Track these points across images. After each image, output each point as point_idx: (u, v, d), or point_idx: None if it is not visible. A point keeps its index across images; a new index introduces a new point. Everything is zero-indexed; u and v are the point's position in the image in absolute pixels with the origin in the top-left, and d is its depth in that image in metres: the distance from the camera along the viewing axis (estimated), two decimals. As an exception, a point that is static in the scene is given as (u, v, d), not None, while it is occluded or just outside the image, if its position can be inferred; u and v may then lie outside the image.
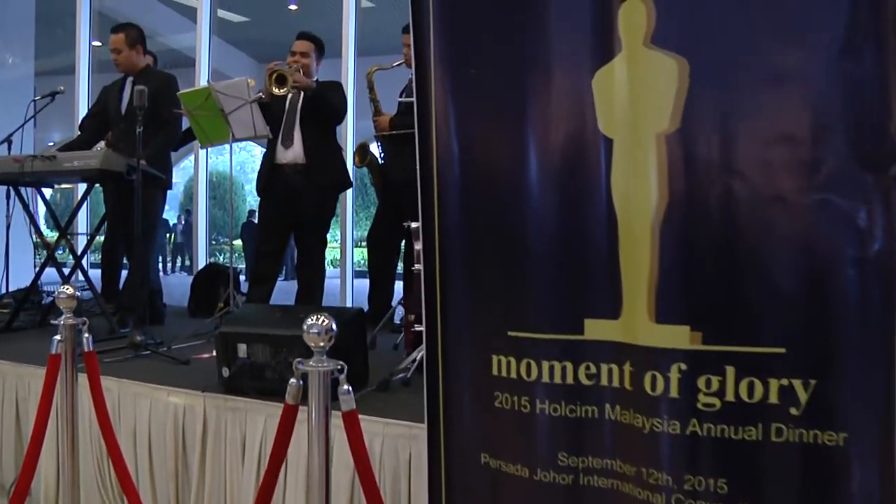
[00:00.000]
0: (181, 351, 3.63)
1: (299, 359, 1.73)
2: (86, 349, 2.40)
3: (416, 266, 3.03)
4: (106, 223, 4.53)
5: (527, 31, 1.58)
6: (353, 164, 4.45)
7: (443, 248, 1.74)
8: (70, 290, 2.38)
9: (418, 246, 3.07)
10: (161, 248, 16.50)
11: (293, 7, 11.50)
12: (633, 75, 1.44)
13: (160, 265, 16.34)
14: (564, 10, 1.52)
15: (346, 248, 5.63)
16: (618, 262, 1.48)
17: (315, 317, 1.69)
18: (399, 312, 4.19)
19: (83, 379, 2.43)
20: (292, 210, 4.21)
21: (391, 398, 2.73)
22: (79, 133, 4.94)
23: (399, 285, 4.42)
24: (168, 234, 16.75)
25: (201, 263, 5.93)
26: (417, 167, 1.78)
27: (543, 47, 1.56)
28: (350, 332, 2.68)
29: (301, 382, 1.74)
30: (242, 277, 6.09)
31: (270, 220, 4.33)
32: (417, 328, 3.01)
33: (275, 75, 3.91)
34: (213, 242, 15.93)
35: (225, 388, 2.76)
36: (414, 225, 3.21)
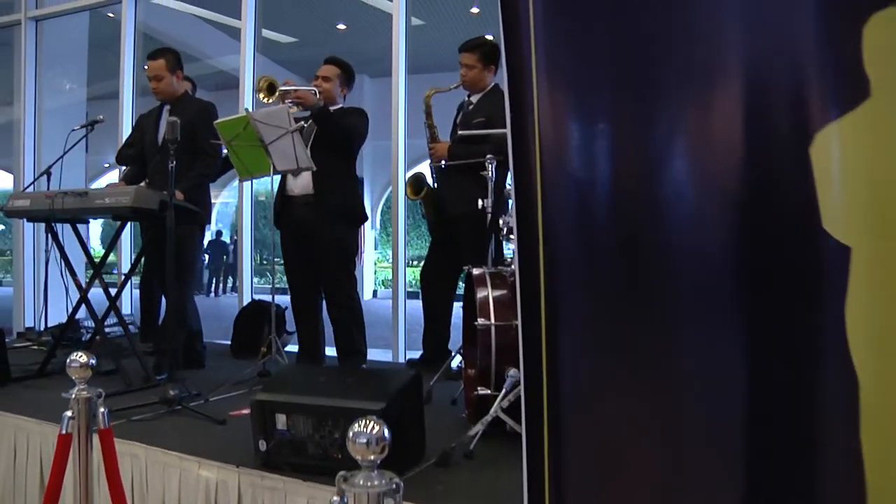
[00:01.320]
0: (219, 405, 3.31)
1: (343, 472, 1.35)
2: (101, 426, 2.07)
3: (480, 321, 2.64)
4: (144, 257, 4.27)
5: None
6: (406, 196, 4.09)
7: (552, 285, 1.33)
8: (83, 358, 2.05)
9: (482, 293, 2.69)
10: (215, 269, 16.47)
11: (342, 26, 11.29)
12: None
13: (212, 286, 16.49)
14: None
15: (398, 268, 5.26)
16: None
17: (363, 422, 1.30)
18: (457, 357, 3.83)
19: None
20: (308, 244, 3.90)
21: (453, 477, 2.34)
22: (116, 163, 4.71)
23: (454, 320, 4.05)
24: (223, 256, 16.67)
25: (247, 288, 5.64)
26: (512, 183, 1.39)
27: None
28: (406, 400, 2.31)
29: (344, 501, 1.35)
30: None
31: (289, 254, 4.00)
32: (481, 392, 2.61)
33: (265, 83, 3.61)
34: (265, 262, 15.83)
35: (262, 463, 2.40)
36: (476, 271, 2.82)
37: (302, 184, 3.84)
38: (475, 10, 10.63)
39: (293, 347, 4.42)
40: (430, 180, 4.07)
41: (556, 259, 1.31)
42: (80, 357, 2.04)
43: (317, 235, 3.83)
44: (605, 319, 1.27)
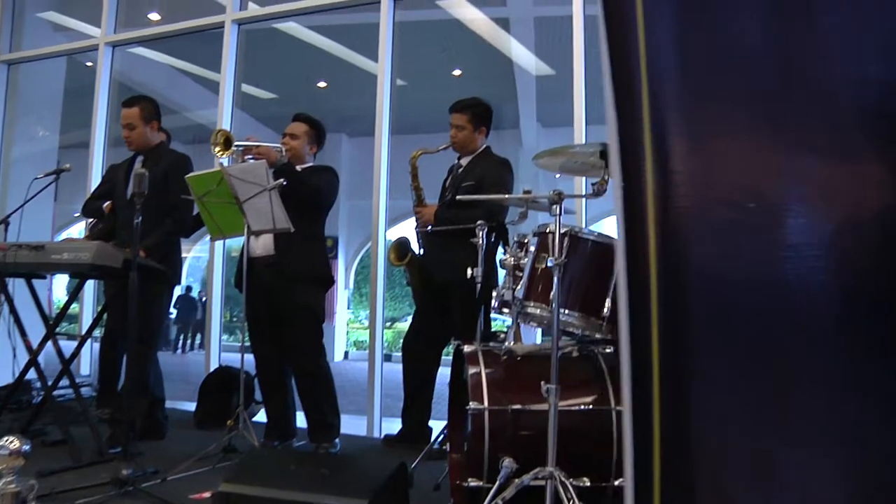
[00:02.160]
0: (178, 485, 3.00)
1: None
2: (34, 524, 1.77)
3: (473, 405, 2.39)
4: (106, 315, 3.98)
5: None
6: (389, 261, 3.86)
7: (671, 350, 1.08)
8: (15, 444, 1.77)
9: (474, 373, 2.46)
10: (184, 325, 15.99)
11: (322, 84, 11.23)
12: None
13: (179, 343, 15.96)
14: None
15: (375, 332, 4.98)
16: None
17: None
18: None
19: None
20: (272, 309, 3.65)
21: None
22: (83, 215, 4.45)
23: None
24: (192, 312, 16.20)
25: (214, 347, 5.32)
26: (620, 218, 1.11)
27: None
28: (391, 495, 2.04)
29: None
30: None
31: (253, 321, 3.69)
32: (472, 483, 2.35)
33: (222, 136, 3.42)
34: (234, 319, 15.44)
35: (223, 565, 2.11)
36: (468, 348, 2.59)
37: (264, 244, 3.61)
38: (457, 71, 10.64)
39: (261, 417, 4.13)
40: (414, 245, 3.86)
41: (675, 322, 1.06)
42: (10, 443, 1.76)
43: (281, 300, 3.59)
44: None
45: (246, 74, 5.64)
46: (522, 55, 10.12)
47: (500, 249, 3.23)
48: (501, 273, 2.83)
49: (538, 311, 2.54)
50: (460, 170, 3.82)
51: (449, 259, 3.55)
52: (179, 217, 3.75)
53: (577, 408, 2.44)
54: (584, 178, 4.39)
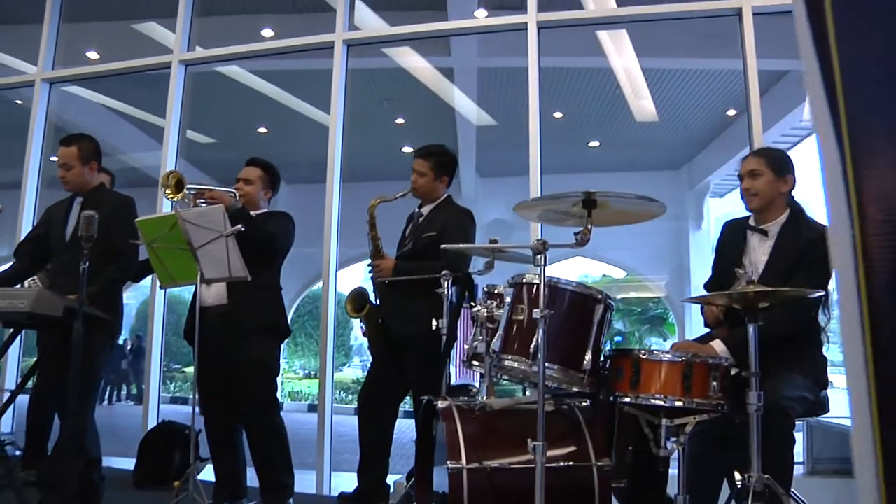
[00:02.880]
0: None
1: None
2: None
3: (450, 463, 2.27)
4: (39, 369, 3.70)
5: None
6: (346, 313, 3.72)
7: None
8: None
9: (451, 429, 2.34)
10: (113, 377, 15.23)
11: (263, 129, 11.08)
12: None
13: (105, 395, 15.14)
14: None
15: (325, 383, 4.80)
16: None
17: None
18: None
19: None
20: (224, 362, 3.45)
21: None
22: (14, 261, 4.15)
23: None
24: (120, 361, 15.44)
25: (153, 400, 5.03)
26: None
27: None
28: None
29: None
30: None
31: (203, 375, 3.45)
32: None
33: (174, 179, 3.29)
34: (166, 370, 14.80)
35: None
36: (442, 404, 2.48)
37: (216, 293, 3.44)
38: (400, 119, 10.67)
39: (207, 475, 3.90)
40: (371, 296, 3.74)
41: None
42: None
43: (234, 352, 3.40)
44: None
45: (185, 118, 5.49)
46: (465, 105, 10.23)
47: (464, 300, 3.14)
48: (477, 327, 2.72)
49: (516, 364, 2.46)
50: (421, 219, 3.71)
51: (408, 311, 3.44)
52: (125, 264, 3.54)
53: (559, 465, 2.34)
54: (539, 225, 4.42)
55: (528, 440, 2.17)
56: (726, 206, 15.39)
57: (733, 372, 2.43)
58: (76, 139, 3.69)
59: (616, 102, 9.50)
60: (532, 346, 2.37)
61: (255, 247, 3.39)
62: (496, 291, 2.81)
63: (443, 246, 3.02)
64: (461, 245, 3.15)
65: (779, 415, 2.36)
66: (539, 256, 2.26)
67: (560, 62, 8.41)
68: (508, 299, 2.57)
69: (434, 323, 3.15)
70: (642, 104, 9.70)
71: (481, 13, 7.47)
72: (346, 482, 4.78)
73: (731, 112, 10.79)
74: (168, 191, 3.35)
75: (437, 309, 3.36)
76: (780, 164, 2.83)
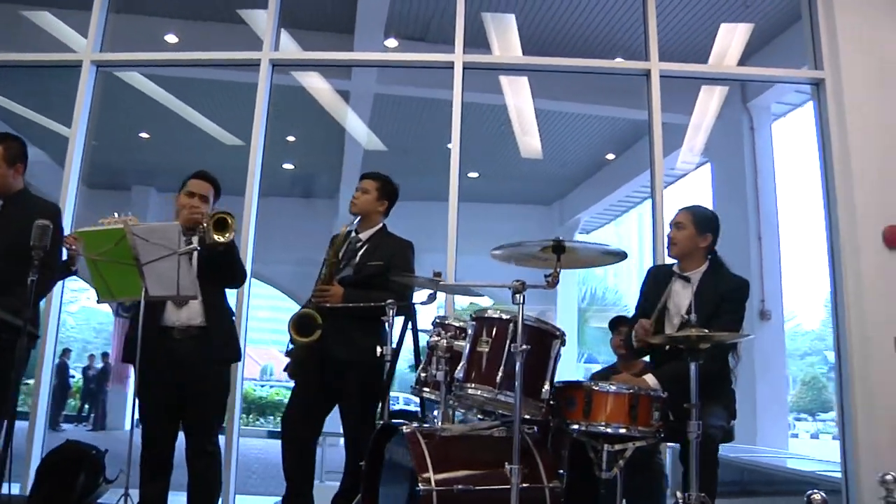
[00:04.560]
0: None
1: None
2: None
3: (421, 486, 2.39)
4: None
5: None
6: (292, 337, 3.59)
7: None
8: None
9: (417, 452, 2.47)
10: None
11: (145, 135, 10.69)
12: None
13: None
14: None
15: (235, 401, 4.70)
16: None
17: None
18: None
19: None
20: (181, 385, 3.32)
21: None
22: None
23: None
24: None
25: (41, 418, 4.72)
26: None
27: None
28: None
29: None
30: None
31: (153, 398, 3.32)
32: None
33: (217, 219, 3.23)
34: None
35: None
36: (406, 429, 2.59)
37: (188, 313, 3.34)
38: (291, 137, 10.61)
39: (109, 498, 3.78)
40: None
41: None
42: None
43: (197, 375, 3.31)
44: None
45: (66, 118, 5.22)
46: (357, 128, 10.34)
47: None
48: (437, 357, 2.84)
49: (479, 392, 2.62)
50: (359, 244, 3.73)
51: (351, 337, 3.48)
52: (47, 276, 3.36)
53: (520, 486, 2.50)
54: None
55: (506, 463, 2.33)
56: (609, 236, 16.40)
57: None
58: (1, 139, 3.49)
59: (504, 137, 9.89)
60: (498, 376, 2.55)
61: (232, 275, 3.42)
62: (447, 322, 2.98)
63: (441, 283, 3.13)
64: (458, 283, 3.26)
65: (707, 440, 2.66)
66: (518, 295, 2.45)
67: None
68: (470, 331, 2.73)
69: (378, 350, 3.25)
70: (528, 141, 10.17)
71: (391, 42, 7.68)
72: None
73: (610, 156, 11.55)
74: (217, 235, 3.23)
75: (378, 336, 3.48)
76: (703, 222, 3.20)
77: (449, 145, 11.28)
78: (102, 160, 10.06)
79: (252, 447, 10.64)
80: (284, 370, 3.84)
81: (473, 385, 2.64)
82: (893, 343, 4.35)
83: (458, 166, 4.94)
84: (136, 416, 3.30)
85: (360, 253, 3.70)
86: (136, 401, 3.31)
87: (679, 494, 2.51)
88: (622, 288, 19.00)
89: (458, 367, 2.68)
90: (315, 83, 8.47)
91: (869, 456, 4.24)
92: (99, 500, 3.97)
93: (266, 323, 16.05)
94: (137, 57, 5.27)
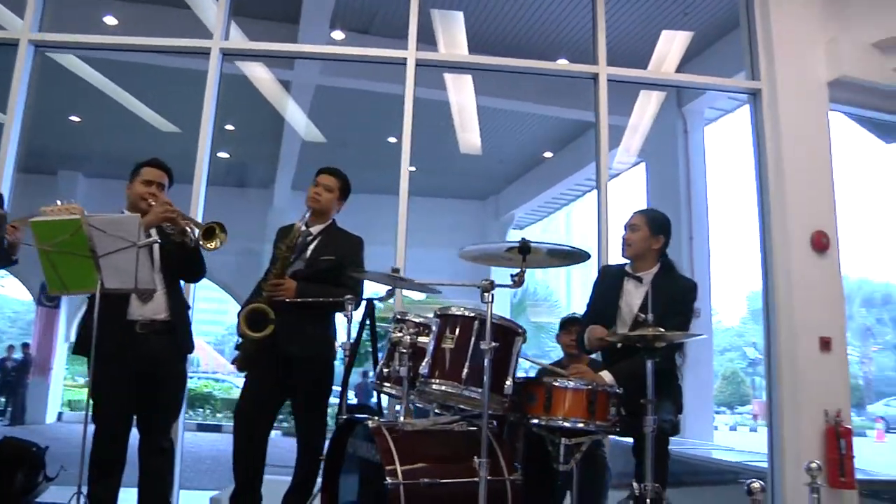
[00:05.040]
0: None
1: None
2: None
3: (388, 480, 2.44)
4: None
5: None
6: (242, 330, 3.51)
7: None
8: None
9: (383, 445, 2.51)
10: None
11: (76, 118, 10.33)
12: None
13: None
14: None
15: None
16: None
17: None
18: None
19: None
20: (139, 381, 3.27)
21: None
22: None
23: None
24: None
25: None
26: None
27: None
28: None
29: None
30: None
31: (113, 395, 3.23)
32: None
33: (208, 227, 3.25)
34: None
35: None
36: (372, 424, 2.63)
37: (154, 307, 3.28)
38: (230, 126, 10.43)
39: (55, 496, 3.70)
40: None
41: None
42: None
43: (162, 370, 3.27)
44: None
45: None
46: (297, 118, 10.24)
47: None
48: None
49: (444, 387, 2.68)
50: (310, 238, 3.71)
51: (304, 332, 3.47)
52: None
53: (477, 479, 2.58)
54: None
55: (475, 457, 2.40)
56: (527, 237, 16.62)
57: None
58: None
59: (444, 133, 9.95)
60: (464, 372, 2.62)
61: (194, 273, 3.45)
62: (406, 318, 3.03)
63: (403, 280, 3.15)
64: (430, 282, 3.25)
65: (660, 434, 2.79)
66: (487, 294, 2.52)
67: (399, 90, 8.75)
68: (435, 328, 2.79)
69: (337, 345, 3.28)
70: (468, 137, 10.27)
71: (338, 34, 7.65)
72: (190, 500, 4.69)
73: (548, 154, 11.76)
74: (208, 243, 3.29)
75: (331, 331, 3.50)
76: (657, 225, 3.34)
77: (390, 139, 11.29)
78: (28, 143, 9.71)
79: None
80: (232, 363, 3.79)
81: (438, 381, 2.70)
82: (818, 341, 4.62)
83: (409, 161, 4.97)
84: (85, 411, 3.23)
85: (311, 247, 3.67)
86: (92, 396, 3.22)
87: (635, 485, 2.63)
88: (552, 284, 19.36)
89: (423, 363, 2.73)
90: (257, 72, 8.34)
91: (793, 446, 4.51)
92: (38, 500, 3.88)
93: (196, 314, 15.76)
94: (80, 39, 5.09)
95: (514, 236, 16.06)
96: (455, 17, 6.70)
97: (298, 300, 3.46)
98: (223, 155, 12.17)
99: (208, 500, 4.51)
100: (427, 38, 6.04)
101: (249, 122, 10.47)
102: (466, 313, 2.74)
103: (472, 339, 2.67)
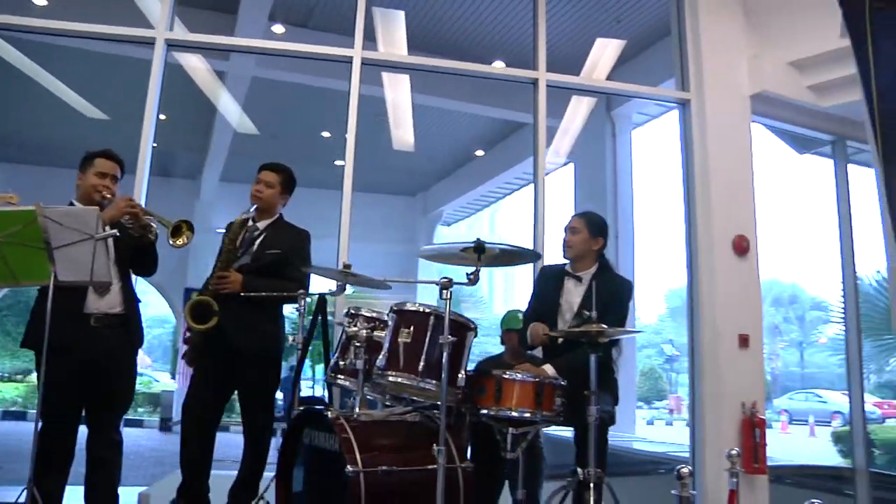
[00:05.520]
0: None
1: None
2: None
3: (349, 468, 2.55)
4: None
5: None
6: (187, 322, 3.56)
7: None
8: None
9: (343, 435, 2.62)
10: None
11: None
12: None
13: None
14: None
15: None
16: None
17: None
18: None
19: None
20: (93, 375, 3.25)
21: None
22: None
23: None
24: None
25: None
26: None
27: None
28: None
29: None
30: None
31: (65, 386, 3.18)
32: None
33: (176, 225, 3.28)
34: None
35: None
36: (332, 414, 2.74)
37: (109, 300, 3.28)
38: (163, 116, 10.21)
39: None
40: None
41: None
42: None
43: (116, 363, 3.27)
44: None
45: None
46: (230, 110, 10.13)
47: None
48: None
49: (401, 379, 2.81)
50: (257, 233, 3.75)
51: (251, 326, 3.52)
52: None
53: (431, 467, 2.70)
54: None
55: (434, 445, 2.54)
56: (454, 234, 16.90)
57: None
58: None
59: (377, 128, 10.02)
60: (420, 365, 2.76)
61: (148, 267, 3.46)
62: (359, 313, 3.14)
63: (352, 276, 3.22)
64: (397, 279, 3.36)
65: (601, 423, 2.99)
66: (445, 291, 2.65)
67: (335, 84, 8.76)
68: (391, 323, 2.91)
69: (290, 339, 3.36)
70: (401, 134, 10.38)
71: (278, 28, 7.63)
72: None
73: (480, 152, 11.98)
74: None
75: (278, 324, 3.58)
76: (596, 227, 3.54)
77: (324, 133, 11.27)
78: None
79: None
80: (182, 357, 3.83)
81: (394, 373, 2.82)
82: (737, 339, 4.95)
83: (353, 158, 5.06)
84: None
85: (258, 242, 3.72)
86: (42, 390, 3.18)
87: (580, 471, 2.81)
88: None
89: (380, 356, 2.85)
90: (192, 62, 8.23)
91: (713, 435, 4.82)
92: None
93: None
94: (20, 22, 4.95)
95: (441, 232, 16.29)
96: (396, 16, 6.80)
97: (242, 294, 3.49)
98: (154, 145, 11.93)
99: (136, 496, 4.47)
100: (368, 34, 6.12)
101: (180, 111, 10.29)
102: (422, 309, 2.87)
103: (428, 333, 2.80)
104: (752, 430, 4.76)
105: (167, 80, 8.72)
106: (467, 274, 2.79)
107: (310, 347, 3.55)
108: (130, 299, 3.40)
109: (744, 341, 4.94)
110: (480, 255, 2.80)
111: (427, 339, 2.80)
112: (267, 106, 10.30)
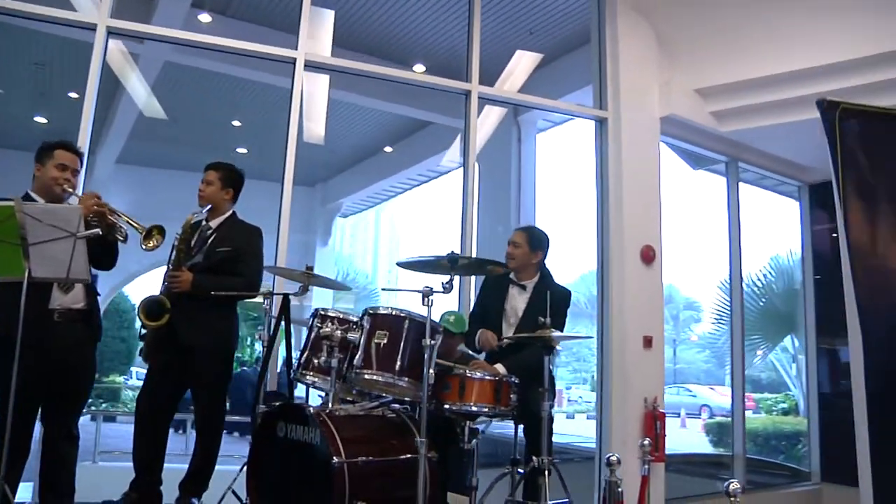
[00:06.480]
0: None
1: None
2: None
3: (335, 459, 2.79)
4: None
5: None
6: (140, 319, 3.62)
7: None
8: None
9: (325, 429, 2.85)
10: None
11: None
12: None
13: None
14: None
15: None
16: None
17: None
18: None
19: None
20: (53, 370, 3.28)
21: None
22: None
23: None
24: None
25: None
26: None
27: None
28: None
29: None
30: None
31: (25, 380, 3.06)
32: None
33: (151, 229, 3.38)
34: None
35: None
36: (312, 410, 2.95)
37: (73, 296, 3.32)
38: (74, 94, 9.81)
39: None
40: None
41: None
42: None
43: (75, 358, 3.33)
44: None
45: None
46: (138, 91, 9.85)
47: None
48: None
49: (377, 377, 3.07)
50: (209, 231, 3.87)
51: (201, 323, 3.64)
52: None
53: (402, 457, 3.00)
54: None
55: (416, 436, 2.81)
56: (352, 224, 17.06)
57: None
58: None
59: (285, 118, 10.00)
60: (397, 364, 3.03)
61: (108, 263, 3.50)
62: (329, 315, 3.36)
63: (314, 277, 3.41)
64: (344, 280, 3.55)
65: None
66: (427, 298, 2.93)
67: (250, 75, 8.71)
68: (367, 325, 3.15)
69: (257, 336, 3.53)
70: (312, 127, 10.43)
71: (205, 17, 7.56)
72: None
73: (388, 149, 12.18)
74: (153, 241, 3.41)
75: (231, 322, 3.75)
76: (536, 242, 3.91)
77: (234, 122, 11.11)
78: None
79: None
80: (139, 354, 3.91)
81: (370, 371, 3.08)
82: (642, 340, 5.46)
83: (295, 157, 5.21)
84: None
85: (210, 241, 3.84)
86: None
87: (535, 458, 3.17)
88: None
89: (357, 356, 3.10)
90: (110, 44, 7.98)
91: (620, 428, 5.32)
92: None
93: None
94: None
95: (339, 224, 16.37)
96: (326, 15, 6.91)
97: (216, 293, 3.61)
98: (41, 120, 11.36)
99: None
100: (291, 29, 6.19)
101: (82, 88, 9.90)
102: (396, 313, 3.14)
103: (403, 335, 3.08)
104: (654, 422, 5.29)
105: (73, 55, 8.45)
106: (443, 283, 3.07)
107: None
108: (92, 295, 3.47)
109: (648, 342, 5.46)
110: (454, 265, 3.09)
111: (402, 341, 3.07)
112: (178, 91, 10.09)
